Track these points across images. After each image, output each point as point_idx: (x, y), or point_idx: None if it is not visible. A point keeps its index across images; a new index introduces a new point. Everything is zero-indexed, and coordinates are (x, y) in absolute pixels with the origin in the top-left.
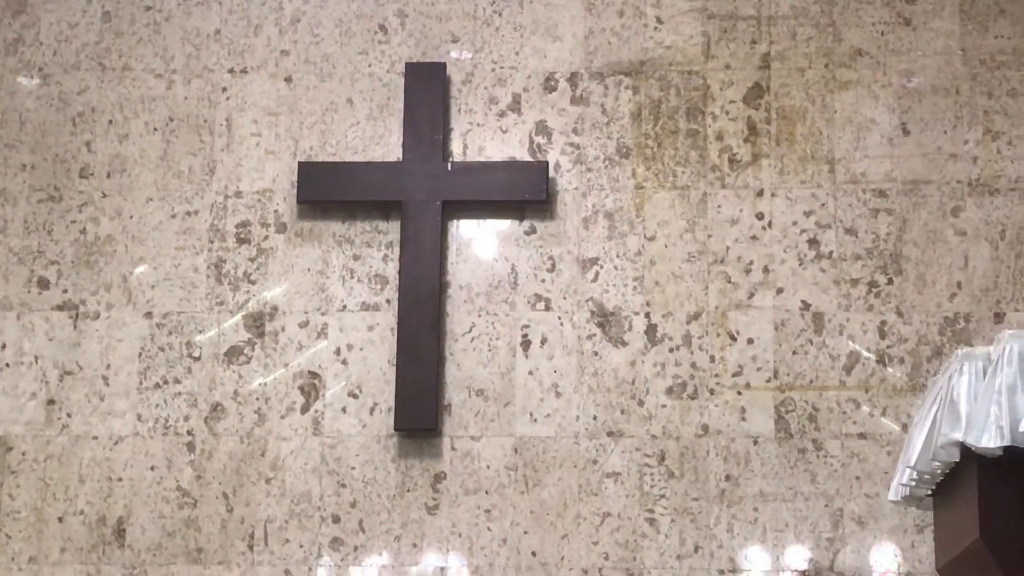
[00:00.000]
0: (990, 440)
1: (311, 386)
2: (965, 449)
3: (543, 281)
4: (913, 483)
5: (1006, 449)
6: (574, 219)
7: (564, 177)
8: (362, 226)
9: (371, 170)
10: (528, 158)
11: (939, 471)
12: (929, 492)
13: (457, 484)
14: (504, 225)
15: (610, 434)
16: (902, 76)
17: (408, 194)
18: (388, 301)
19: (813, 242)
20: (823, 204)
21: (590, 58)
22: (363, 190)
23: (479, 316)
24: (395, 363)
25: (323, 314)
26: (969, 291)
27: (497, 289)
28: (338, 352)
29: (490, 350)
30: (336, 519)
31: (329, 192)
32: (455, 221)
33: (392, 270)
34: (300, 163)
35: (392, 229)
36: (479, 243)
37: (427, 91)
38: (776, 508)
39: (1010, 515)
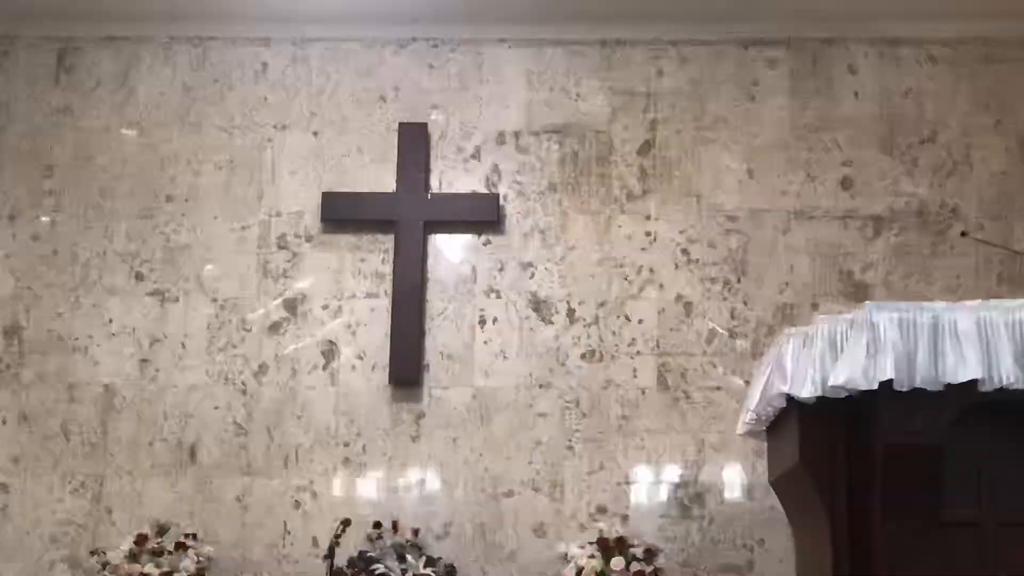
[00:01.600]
0: (807, 391)
1: (330, 351)
2: (790, 398)
3: (495, 278)
4: (753, 422)
5: (819, 399)
6: (517, 234)
7: (511, 205)
8: (367, 238)
9: (374, 198)
10: (485, 191)
11: (771, 413)
12: (765, 428)
13: (433, 421)
14: (468, 239)
15: (541, 386)
16: (749, 136)
17: (400, 216)
18: (385, 291)
19: (685, 251)
20: (692, 225)
21: (530, 120)
22: (368, 212)
23: (450, 302)
24: (390, 335)
25: (339, 300)
26: (794, 288)
27: (463, 283)
28: (349, 327)
29: (457, 327)
30: (347, 445)
31: (344, 213)
32: (433, 235)
33: (388, 269)
34: (323, 193)
35: (388, 241)
36: (450, 251)
37: (414, 143)
38: (657, 439)
39: (821, 445)
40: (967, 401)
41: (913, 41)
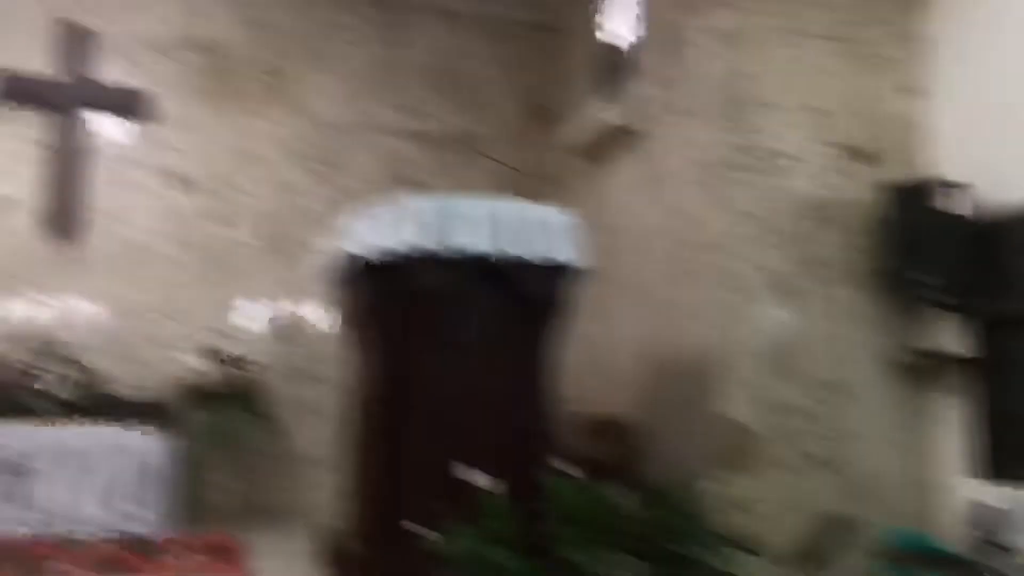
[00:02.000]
0: (370, 252)
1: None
2: (358, 257)
3: (146, 151)
4: (332, 272)
5: (377, 258)
6: (166, 119)
7: (161, 99)
8: (36, 115)
9: (42, 82)
10: (138, 87)
11: (346, 267)
12: (340, 278)
13: (88, 262)
14: (124, 123)
15: (176, 241)
16: (345, 69)
17: (64, 98)
18: (51, 159)
19: (292, 148)
20: (298, 129)
21: (181, 37)
22: (37, 94)
23: (106, 172)
24: (53, 193)
25: (12, 163)
26: (367, 180)
27: (118, 158)
28: (20, 185)
29: (111, 190)
30: (14, 277)
31: (16, 94)
32: (94, 116)
33: (55, 141)
34: None
35: (55, 118)
36: (108, 131)
37: (79, 41)
38: (263, 282)
39: (377, 291)
40: (473, 263)
41: (462, 14)
